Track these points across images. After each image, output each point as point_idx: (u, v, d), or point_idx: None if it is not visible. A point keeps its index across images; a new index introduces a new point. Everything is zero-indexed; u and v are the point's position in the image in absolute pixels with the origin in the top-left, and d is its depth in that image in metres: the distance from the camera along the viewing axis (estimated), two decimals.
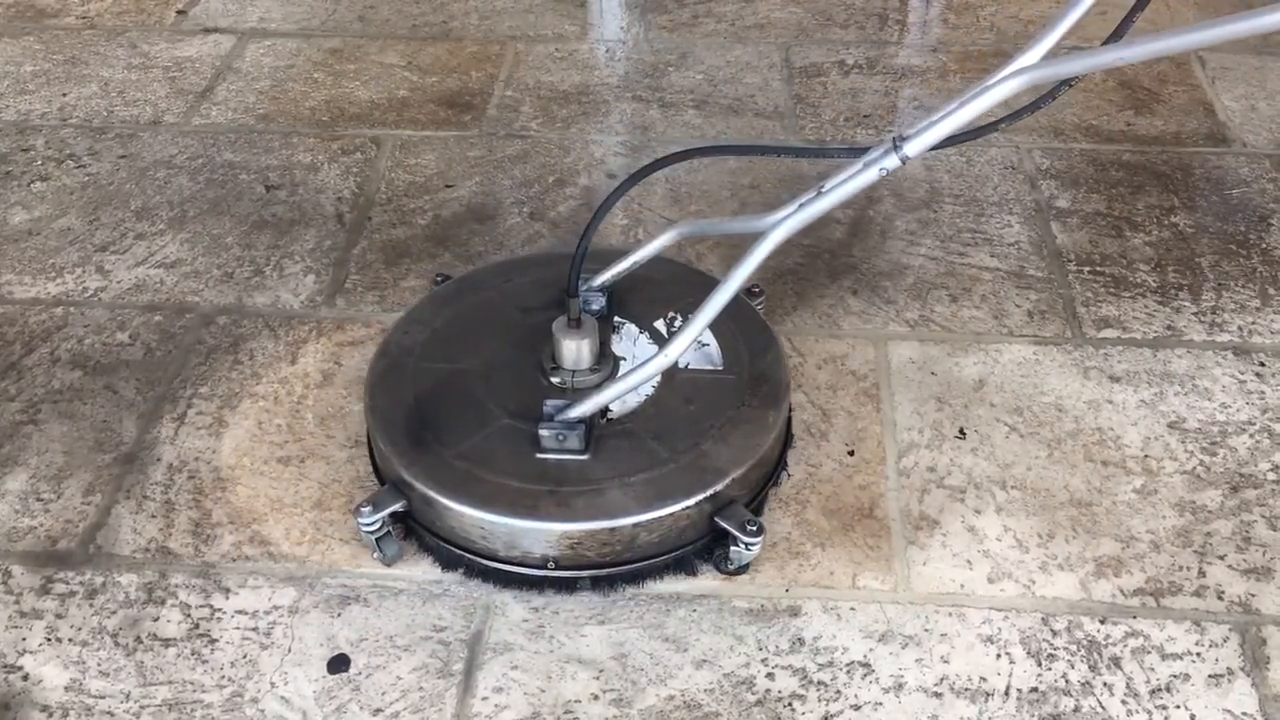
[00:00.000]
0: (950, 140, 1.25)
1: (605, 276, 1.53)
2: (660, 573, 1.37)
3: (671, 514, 1.32)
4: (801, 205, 1.33)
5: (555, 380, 1.45)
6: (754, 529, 1.33)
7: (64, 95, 2.25)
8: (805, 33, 2.42)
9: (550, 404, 1.38)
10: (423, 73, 2.31)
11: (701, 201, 1.96)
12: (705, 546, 1.37)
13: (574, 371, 1.45)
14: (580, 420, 1.36)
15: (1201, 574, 1.38)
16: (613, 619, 1.34)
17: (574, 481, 1.34)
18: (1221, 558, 1.40)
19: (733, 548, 1.34)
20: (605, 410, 1.41)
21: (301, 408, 1.60)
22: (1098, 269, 1.82)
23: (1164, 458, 1.52)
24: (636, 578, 1.36)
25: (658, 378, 1.43)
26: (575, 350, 1.44)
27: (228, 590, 1.37)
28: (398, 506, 1.36)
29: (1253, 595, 1.36)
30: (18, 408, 1.61)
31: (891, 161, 1.27)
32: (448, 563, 1.38)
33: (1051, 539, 1.42)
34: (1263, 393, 1.61)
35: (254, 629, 1.33)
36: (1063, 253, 1.85)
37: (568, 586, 1.35)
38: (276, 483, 1.50)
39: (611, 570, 1.35)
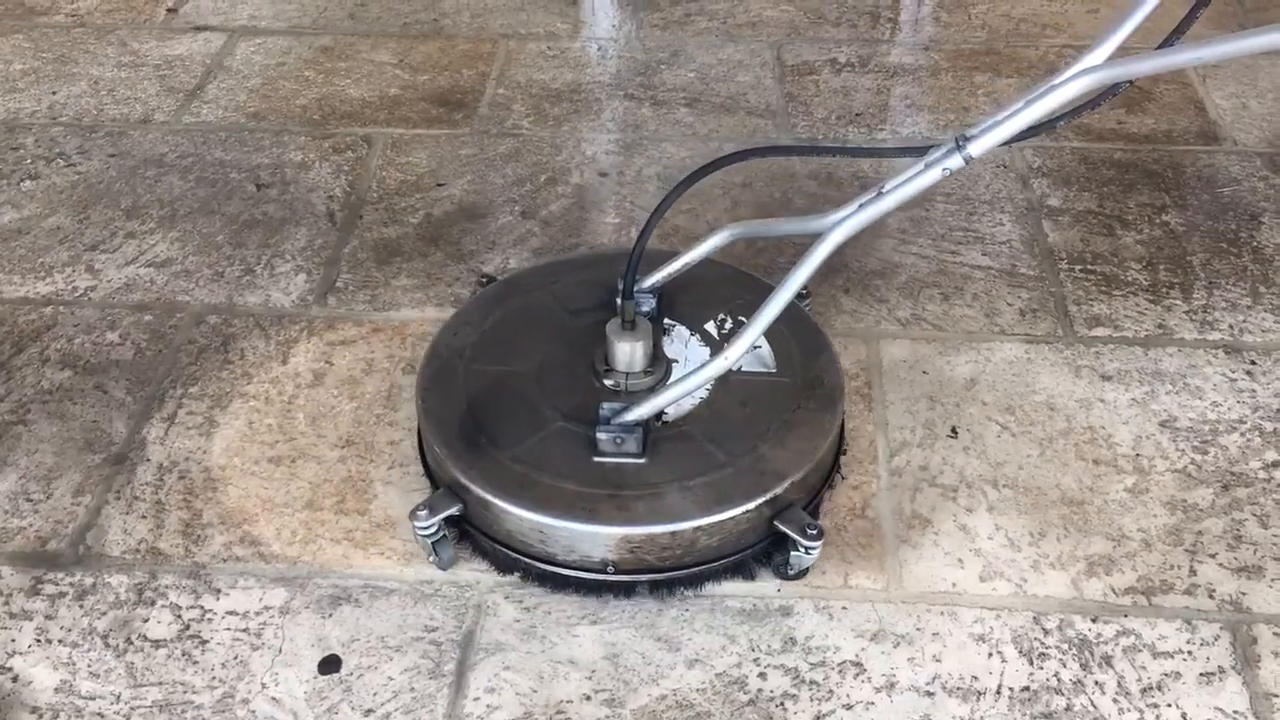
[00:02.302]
0: (1010, 139, 1.23)
1: (655, 278, 1.51)
2: (719, 576, 1.36)
3: (732, 517, 1.31)
4: (861, 206, 1.31)
5: (608, 383, 1.44)
6: (814, 533, 1.31)
7: (53, 93, 2.24)
8: (797, 31, 2.42)
9: (607, 407, 1.36)
10: (414, 71, 2.30)
11: (694, 199, 1.96)
12: (763, 550, 1.36)
13: (627, 374, 1.44)
14: (637, 423, 1.35)
15: (1193, 572, 1.38)
16: (605, 619, 1.34)
17: (632, 485, 1.33)
18: (1213, 556, 1.40)
19: (793, 552, 1.33)
20: (660, 413, 1.40)
21: (292, 407, 1.60)
22: (1089, 267, 1.82)
23: (1155, 456, 1.52)
24: (695, 582, 1.35)
25: (711, 381, 1.41)
26: (629, 353, 1.42)
27: (218, 591, 1.37)
28: (454, 510, 1.35)
29: (1244, 594, 1.36)
30: (7, 408, 1.60)
31: (955, 161, 1.24)
32: (504, 566, 1.37)
33: (1043, 538, 1.42)
34: (1254, 391, 1.61)
35: (245, 630, 1.33)
36: (1054, 251, 1.86)
37: (626, 591, 1.35)
38: (267, 483, 1.49)
39: (670, 574, 1.34)
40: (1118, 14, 1.26)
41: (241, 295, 1.78)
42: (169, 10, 2.51)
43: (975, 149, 1.23)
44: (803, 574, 1.36)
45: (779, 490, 1.33)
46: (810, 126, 2.14)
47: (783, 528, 1.33)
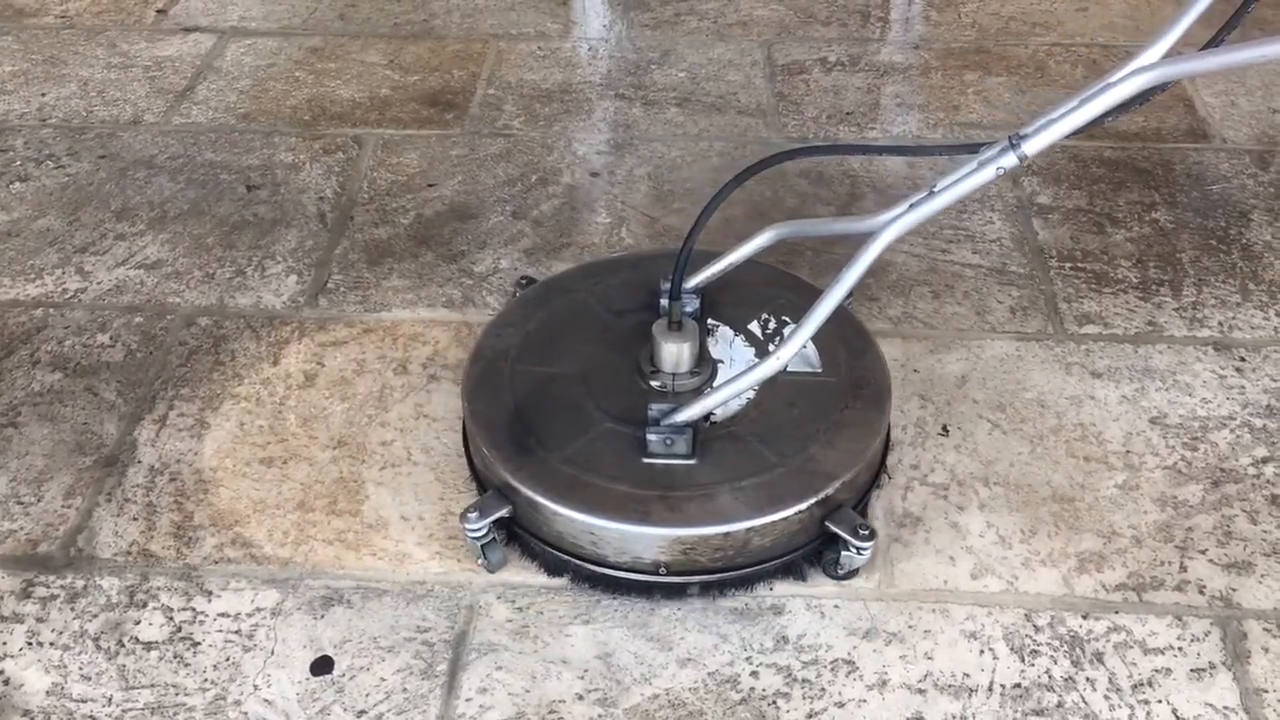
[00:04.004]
0: (1064, 136, 1.22)
1: (699, 279, 1.50)
2: (769, 577, 1.36)
3: (784, 518, 1.31)
4: (912, 205, 1.30)
5: (655, 384, 1.43)
6: (866, 533, 1.31)
7: (43, 95, 2.24)
8: (787, 30, 2.42)
9: (655, 408, 1.36)
10: (405, 71, 2.30)
11: (685, 200, 1.96)
12: (814, 551, 1.36)
13: (674, 375, 1.43)
14: (687, 424, 1.35)
15: (1183, 569, 1.39)
16: (597, 619, 1.34)
17: (683, 486, 1.33)
18: (1203, 552, 1.40)
19: (844, 552, 1.33)
20: (708, 414, 1.39)
21: (284, 409, 1.59)
22: (1079, 265, 1.83)
23: (1145, 453, 1.52)
24: (746, 582, 1.35)
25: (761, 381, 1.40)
26: (676, 353, 1.42)
27: (210, 593, 1.36)
28: (503, 512, 1.35)
29: (1234, 589, 1.36)
30: None
31: (1009, 160, 1.23)
32: (553, 568, 1.37)
33: (1034, 535, 1.42)
34: (1243, 388, 1.62)
35: (236, 631, 1.32)
36: (1044, 249, 1.86)
37: (677, 592, 1.35)
38: (259, 484, 1.49)
39: (721, 575, 1.34)
40: (1174, 12, 1.25)
41: (232, 297, 1.78)
42: (158, 12, 2.51)
43: (1030, 148, 1.22)
44: (853, 574, 1.36)
45: (830, 490, 1.33)
46: (801, 125, 2.14)
47: (834, 528, 1.33)
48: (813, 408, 1.42)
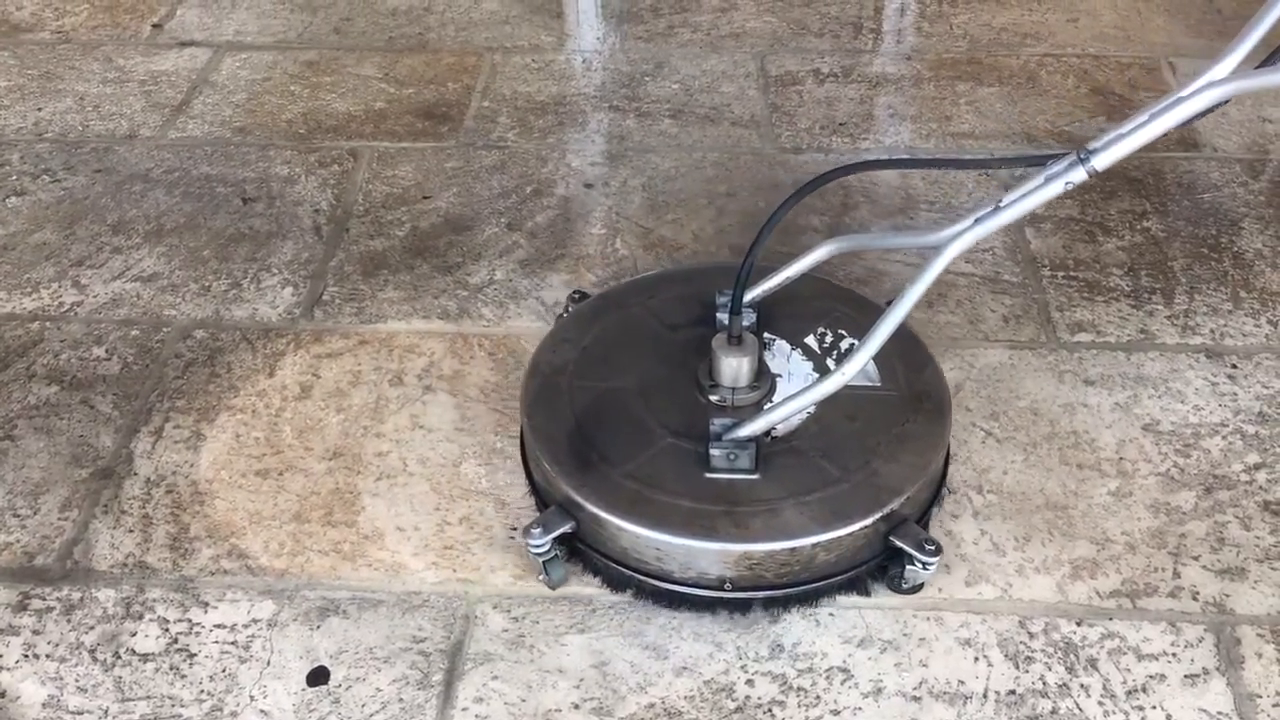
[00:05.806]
0: (1134, 151, 1.22)
1: (755, 292, 1.50)
2: (834, 592, 1.35)
3: (850, 533, 1.31)
4: (978, 220, 1.29)
5: (714, 398, 1.43)
6: (932, 548, 1.31)
7: (39, 110, 2.25)
8: (780, 42, 2.44)
9: (718, 423, 1.36)
10: (400, 84, 2.31)
11: (679, 210, 1.97)
12: (878, 566, 1.36)
13: (734, 389, 1.43)
14: (750, 439, 1.35)
15: (1176, 575, 1.39)
16: (592, 628, 1.34)
17: (747, 501, 1.33)
18: (1196, 558, 1.41)
19: (909, 567, 1.33)
20: (769, 429, 1.39)
21: (279, 420, 1.60)
22: (1072, 274, 1.84)
23: (1138, 460, 1.53)
24: (811, 598, 1.35)
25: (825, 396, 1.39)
26: (736, 368, 1.41)
27: (206, 604, 1.37)
28: (567, 528, 1.34)
29: (1227, 595, 1.37)
30: None
31: (1078, 175, 1.23)
32: (616, 584, 1.37)
33: (1028, 542, 1.43)
34: (1235, 395, 1.62)
35: (233, 643, 1.33)
36: (1037, 258, 1.87)
37: (741, 608, 1.34)
38: (255, 495, 1.49)
39: (786, 591, 1.34)
40: (1243, 27, 1.23)
41: (228, 309, 1.79)
42: (154, 26, 2.52)
43: (1100, 162, 1.22)
44: (918, 588, 1.36)
45: (895, 505, 1.33)
46: (794, 136, 2.15)
47: (900, 544, 1.32)
48: (873, 422, 1.42)
